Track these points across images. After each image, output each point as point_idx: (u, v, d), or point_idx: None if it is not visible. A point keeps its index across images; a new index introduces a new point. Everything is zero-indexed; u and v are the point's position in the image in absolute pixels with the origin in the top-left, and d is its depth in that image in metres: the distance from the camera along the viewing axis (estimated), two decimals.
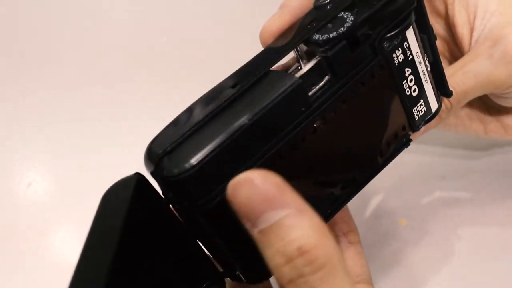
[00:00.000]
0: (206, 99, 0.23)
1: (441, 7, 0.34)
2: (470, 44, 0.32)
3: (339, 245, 0.32)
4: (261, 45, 0.28)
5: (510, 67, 0.30)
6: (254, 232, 0.19)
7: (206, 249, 0.24)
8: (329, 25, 0.24)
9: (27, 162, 0.44)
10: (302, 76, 0.23)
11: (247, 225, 0.19)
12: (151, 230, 0.22)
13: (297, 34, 0.24)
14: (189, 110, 0.23)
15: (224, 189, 0.21)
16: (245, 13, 0.47)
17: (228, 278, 0.25)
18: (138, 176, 0.22)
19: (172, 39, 0.47)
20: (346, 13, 0.24)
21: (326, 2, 0.25)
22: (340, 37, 0.23)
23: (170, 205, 0.23)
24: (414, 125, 0.28)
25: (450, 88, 0.29)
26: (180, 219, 0.23)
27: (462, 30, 0.32)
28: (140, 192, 0.21)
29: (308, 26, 0.24)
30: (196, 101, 0.23)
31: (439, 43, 0.35)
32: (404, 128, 0.28)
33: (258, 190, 0.18)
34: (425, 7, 0.27)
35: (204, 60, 0.46)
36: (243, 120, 0.21)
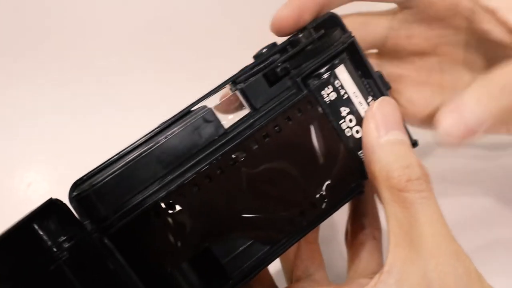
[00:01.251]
0: (140, 137, 0.25)
1: (463, 25, 0.31)
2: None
3: (363, 235, 0.33)
4: (275, 36, 0.28)
5: None
6: (381, 140, 0.25)
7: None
8: (256, 68, 0.26)
9: (27, 162, 0.44)
10: (217, 108, 0.25)
11: (377, 132, 0.25)
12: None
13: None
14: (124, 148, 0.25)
15: (130, 211, 0.22)
16: (249, 10, 0.47)
17: None
18: (50, 201, 0.23)
19: (174, 36, 0.47)
20: (275, 56, 0.26)
21: (264, 51, 0.26)
22: (256, 72, 0.25)
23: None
24: (364, 171, 0.26)
25: (482, 105, 0.26)
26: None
27: (498, 33, 0.29)
28: (52, 217, 0.23)
29: (239, 71, 0.26)
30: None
31: (462, 55, 0.32)
32: (352, 174, 0.26)
33: (397, 113, 0.26)
34: (362, 53, 0.27)
35: (207, 59, 0.46)
36: (148, 146, 0.23)
